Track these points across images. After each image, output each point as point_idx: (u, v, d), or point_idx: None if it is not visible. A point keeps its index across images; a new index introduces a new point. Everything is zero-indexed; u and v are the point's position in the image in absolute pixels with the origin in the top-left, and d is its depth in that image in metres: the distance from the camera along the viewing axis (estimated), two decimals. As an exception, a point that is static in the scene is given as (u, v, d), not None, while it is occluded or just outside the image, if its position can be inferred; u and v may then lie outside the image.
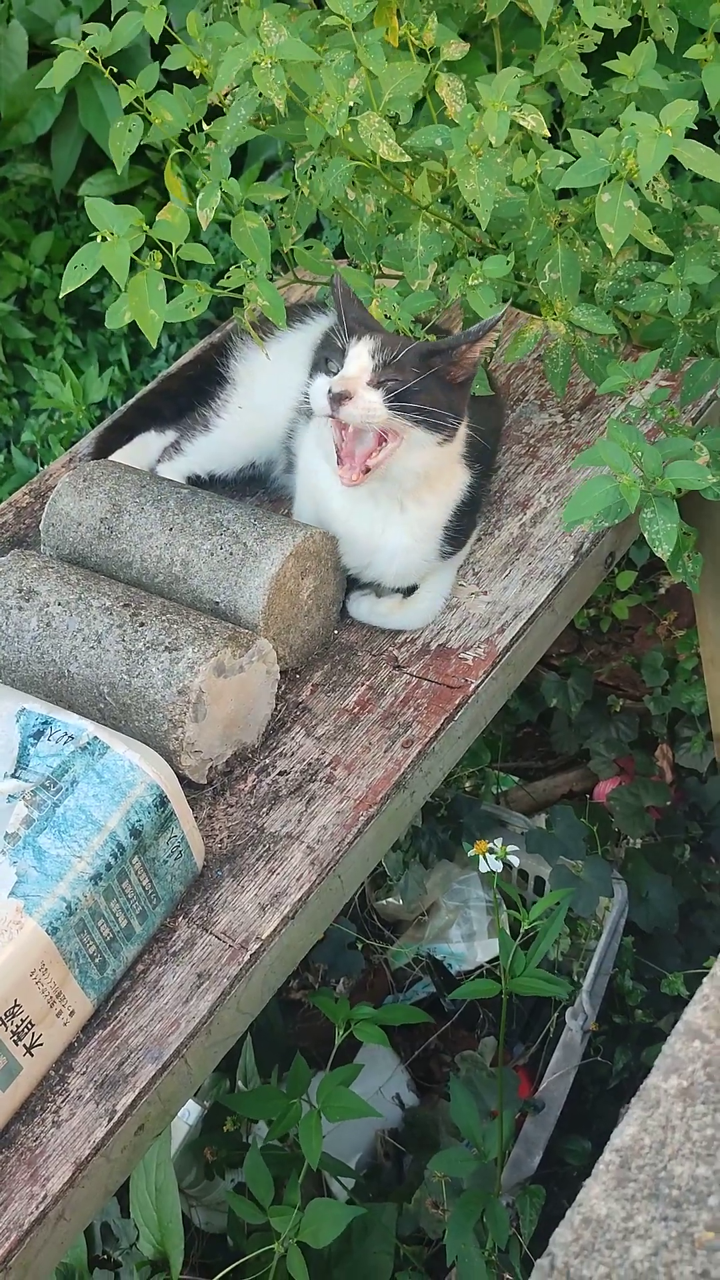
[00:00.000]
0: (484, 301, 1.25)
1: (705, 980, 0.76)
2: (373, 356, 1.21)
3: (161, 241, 1.24)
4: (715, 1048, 0.71)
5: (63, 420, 2.44)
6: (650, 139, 1.14)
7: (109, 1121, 1.00)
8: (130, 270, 1.21)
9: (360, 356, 1.21)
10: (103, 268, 1.21)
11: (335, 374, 1.21)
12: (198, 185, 1.28)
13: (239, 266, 1.27)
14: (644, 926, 1.76)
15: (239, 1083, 1.64)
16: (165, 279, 1.22)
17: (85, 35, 1.35)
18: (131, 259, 1.22)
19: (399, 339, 1.24)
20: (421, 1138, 1.71)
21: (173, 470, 1.45)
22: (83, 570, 1.28)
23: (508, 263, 1.26)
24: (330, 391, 1.18)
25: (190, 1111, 1.64)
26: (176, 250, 1.26)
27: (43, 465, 2.42)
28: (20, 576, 1.26)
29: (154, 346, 1.23)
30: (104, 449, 1.51)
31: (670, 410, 1.33)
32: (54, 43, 1.35)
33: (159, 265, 1.22)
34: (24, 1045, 0.99)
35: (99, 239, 1.20)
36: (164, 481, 1.35)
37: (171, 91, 1.37)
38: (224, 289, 1.28)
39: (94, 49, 1.31)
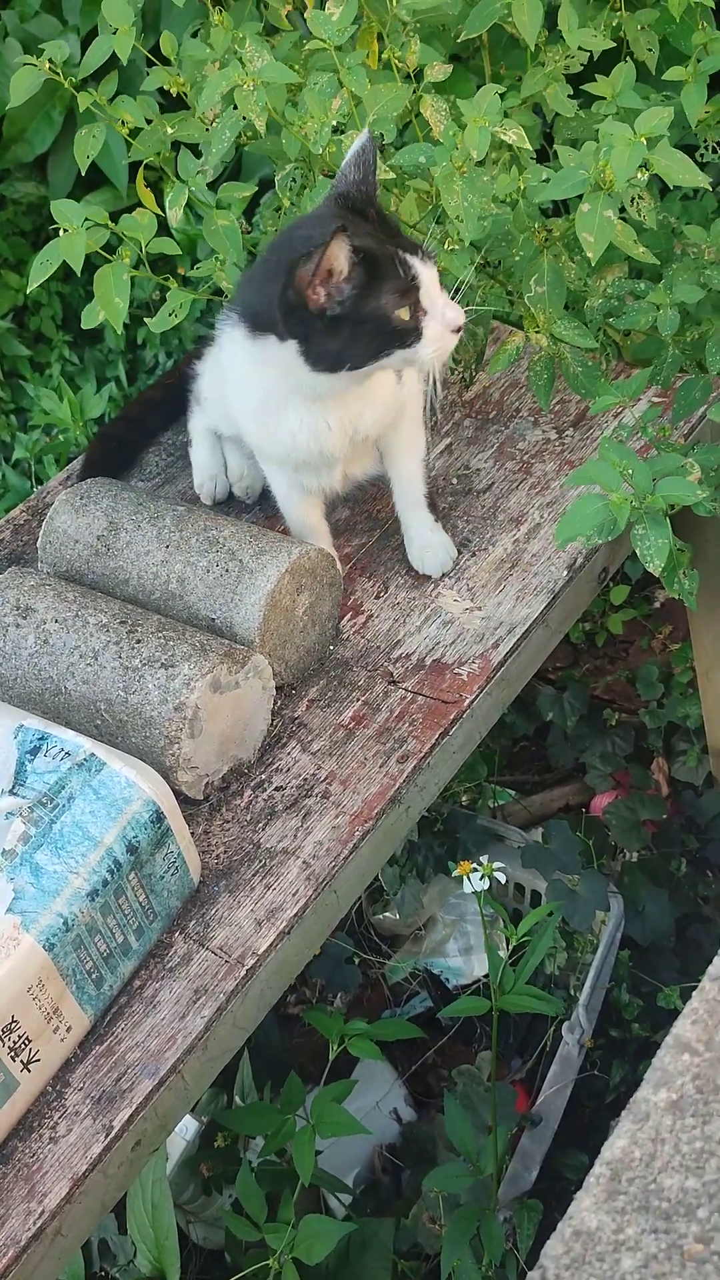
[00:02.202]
0: (460, 265, 1.26)
1: (694, 994, 0.77)
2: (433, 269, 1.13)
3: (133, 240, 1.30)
4: (704, 1061, 0.72)
5: (60, 437, 2.46)
6: (625, 145, 1.16)
7: (106, 1137, 1.00)
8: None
9: (433, 274, 1.13)
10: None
11: (416, 304, 1.11)
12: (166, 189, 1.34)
13: (210, 259, 1.32)
14: (640, 940, 1.76)
15: (236, 1098, 1.64)
16: (157, 285, 1.27)
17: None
18: (103, 258, 1.27)
19: (401, 233, 1.16)
20: (419, 1153, 1.71)
21: (198, 421, 1.47)
22: (80, 587, 1.29)
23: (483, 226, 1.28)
24: (456, 327, 1.12)
25: (187, 1127, 1.64)
26: (146, 246, 1.30)
27: (38, 482, 2.44)
28: (18, 594, 1.27)
29: (118, 331, 1.29)
30: (94, 459, 1.53)
31: (662, 428, 1.34)
32: (16, 60, 1.38)
33: (127, 259, 1.26)
34: (21, 1061, 1.00)
35: (60, 232, 1.25)
36: (160, 499, 1.36)
37: (164, 111, 1.40)
38: (193, 276, 1.35)
39: (51, 60, 1.33)
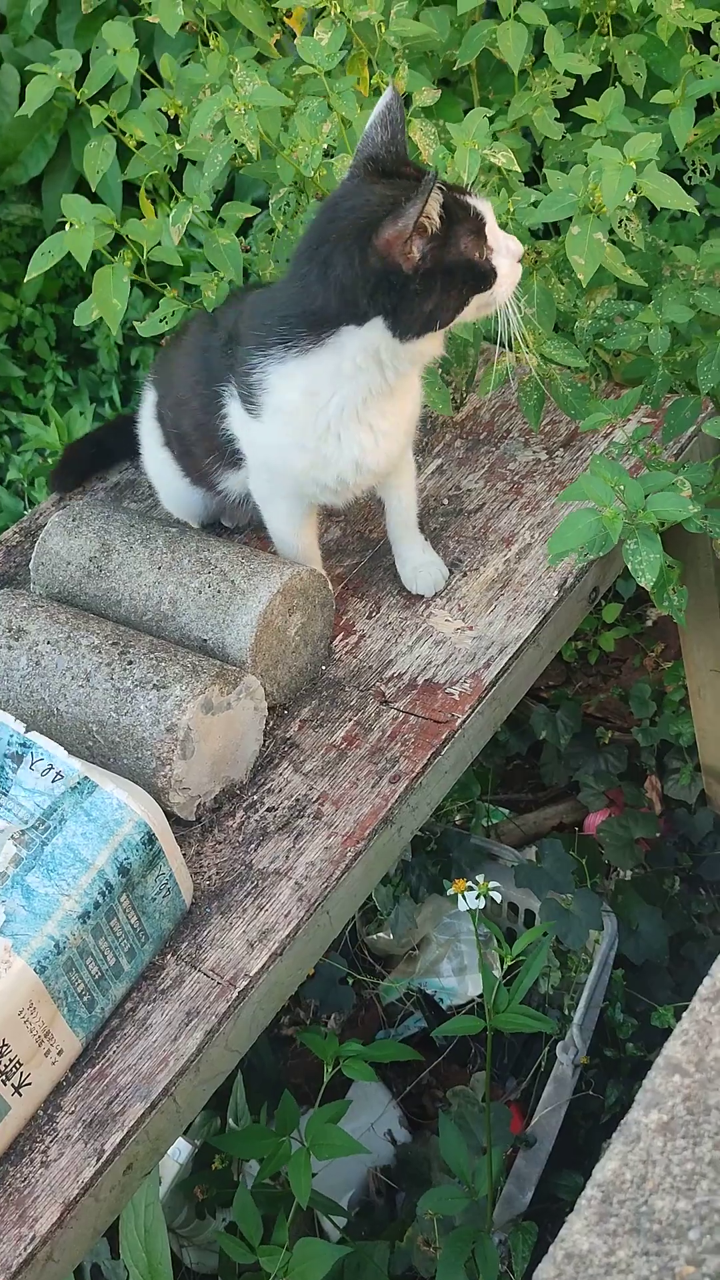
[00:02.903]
0: None
1: (685, 1015, 0.77)
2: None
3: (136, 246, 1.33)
4: (695, 1082, 0.72)
5: (51, 460, 2.46)
6: (614, 170, 1.17)
7: (97, 1161, 1.00)
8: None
9: (490, 208, 1.08)
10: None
11: (484, 242, 1.07)
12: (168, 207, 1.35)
13: (207, 274, 1.35)
14: (634, 959, 1.76)
15: (230, 1120, 1.63)
16: (154, 291, 1.29)
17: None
18: (104, 259, 1.30)
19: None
20: (414, 1174, 1.70)
21: None
22: (72, 609, 1.29)
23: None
24: (520, 255, 1.10)
25: (180, 1150, 1.63)
26: (148, 251, 1.33)
27: (30, 504, 2.44)
28: (10, 615, 1.27)
29: (116, 336, 1.33)
30: (71, 457, 1.57)
31: (652, 447, 1.35)
32: (28, 68, 1.39)
33: (129, 262, 1.28)
34: (12, 1085, 0.99)
35: (66, 226, 1.27)
36: (153, 521, 1.37)
37: (159, 132, 1.41)
38: (189, 282, 1.38)
39: (63, 72, 1.34)
